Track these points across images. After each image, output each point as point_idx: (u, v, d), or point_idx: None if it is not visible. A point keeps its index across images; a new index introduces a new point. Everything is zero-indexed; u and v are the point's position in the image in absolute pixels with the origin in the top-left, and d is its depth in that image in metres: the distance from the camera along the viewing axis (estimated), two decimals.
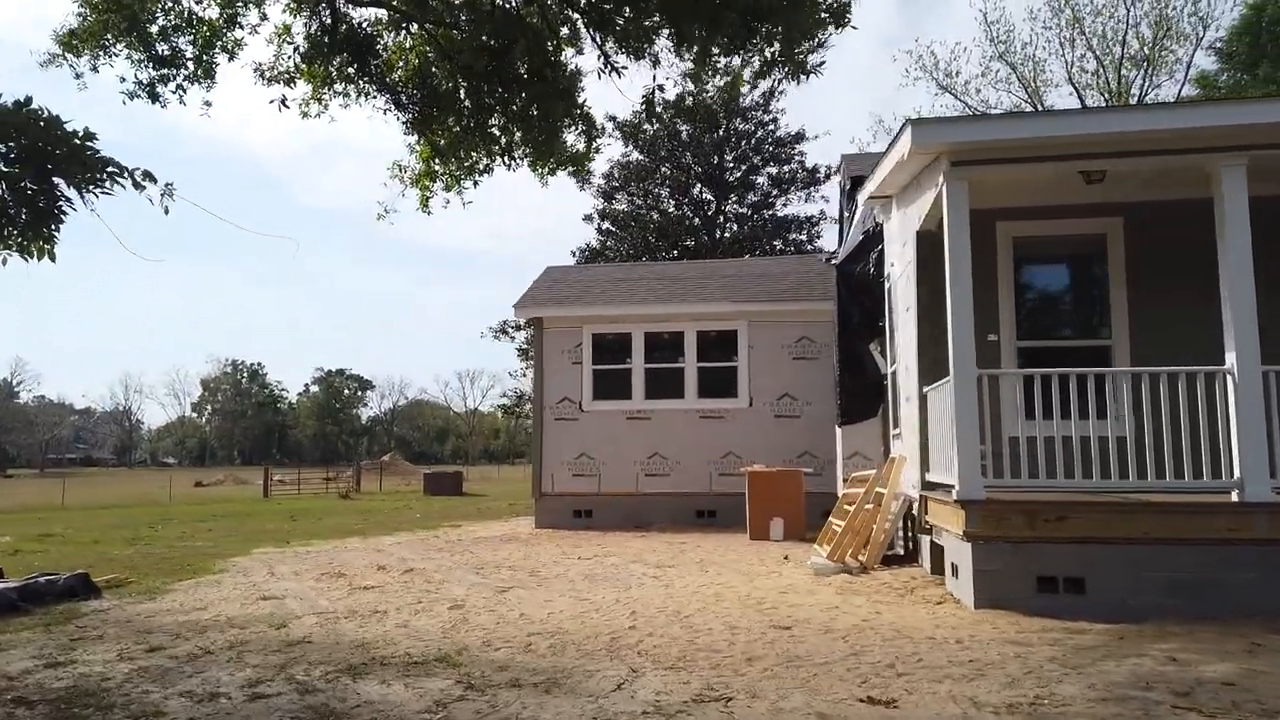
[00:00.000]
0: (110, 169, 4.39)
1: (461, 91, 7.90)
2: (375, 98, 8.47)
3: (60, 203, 4.22)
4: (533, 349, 29.50)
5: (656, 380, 15.24)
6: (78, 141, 4.23)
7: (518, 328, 31.68)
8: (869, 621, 6.56)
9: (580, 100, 8.47)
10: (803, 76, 7.98)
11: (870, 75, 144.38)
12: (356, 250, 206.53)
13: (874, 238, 11.74)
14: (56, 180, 4.16)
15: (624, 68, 7.75)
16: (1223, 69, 32.81)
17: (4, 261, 4.16)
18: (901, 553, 9.96)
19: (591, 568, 9.95)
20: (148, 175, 4.62)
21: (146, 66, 7.69)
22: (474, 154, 8.67)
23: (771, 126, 32.33)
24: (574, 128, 8.59)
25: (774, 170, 32.90)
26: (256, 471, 76.10)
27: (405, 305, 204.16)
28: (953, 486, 7.19)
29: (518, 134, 8.41)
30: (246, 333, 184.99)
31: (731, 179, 33.13)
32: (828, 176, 32.79)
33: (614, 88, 8.87)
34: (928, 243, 8.53)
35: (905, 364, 9.72)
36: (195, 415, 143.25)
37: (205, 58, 7.86)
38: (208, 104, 8.76)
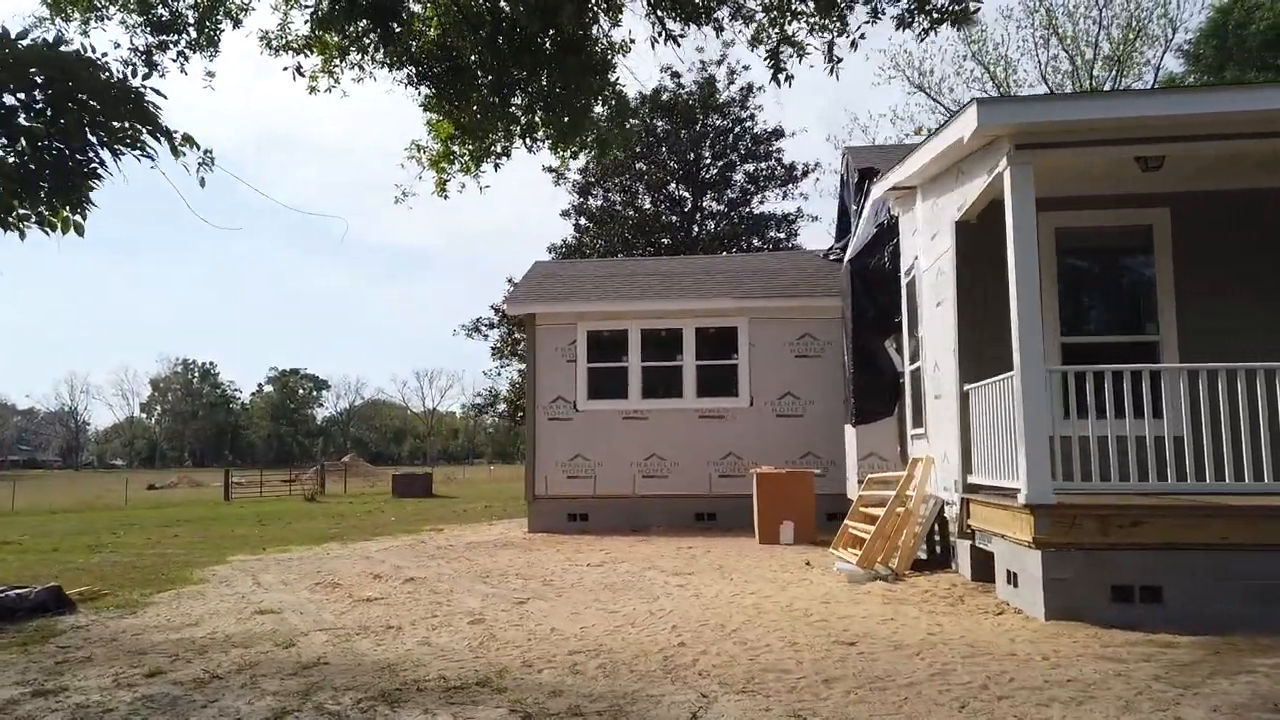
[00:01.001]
0: (152, 127, 3.71)
1: (484, 67, 7.28)
2: (396, 69, 7.81)
3: (94, 164, 3.54)
4: (523, 346, 29.14)
5: (654, 379, 14.71)
6: (125, 92, 3.54)
7: (491, 325, 30.96)
8: (935, 636, 6.12)
9: (613, 78, 7.92)
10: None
11: (824, 76, 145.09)
12: (307, 247, 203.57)
13: (889, 231, 11.35)
14: (92, 138, 3.49)
15: (680, 35, 7.20)
16: (1190, 70, 33.20)
17: (22, 235, 3.48)
18: (924, 557, 9.55)
19: (606, 576, 9.42)
20: (189, 140, 3.95)
21: (144, 31, 6.96)
22: (492, 135, 8.06)
23: (749, 123, 31.98)
24: (605, 106, 8.02)
25: (751, 167, 32.52)
26: (210, 473, 74.30)
27: (359, 304, 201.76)
28: (1012, 490, 6.79)
29: (538, 114, 7.82)
30: (197, 331, 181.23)
31: (708, 176, 32.69)
32: (805, 174, 32.55)
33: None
34: (969, 233, 8.13)
35: (935, 360, 9.33)
36: (144, 416, 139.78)
37: (209, 24, 7.15)
38: (210, 74, 8.01)
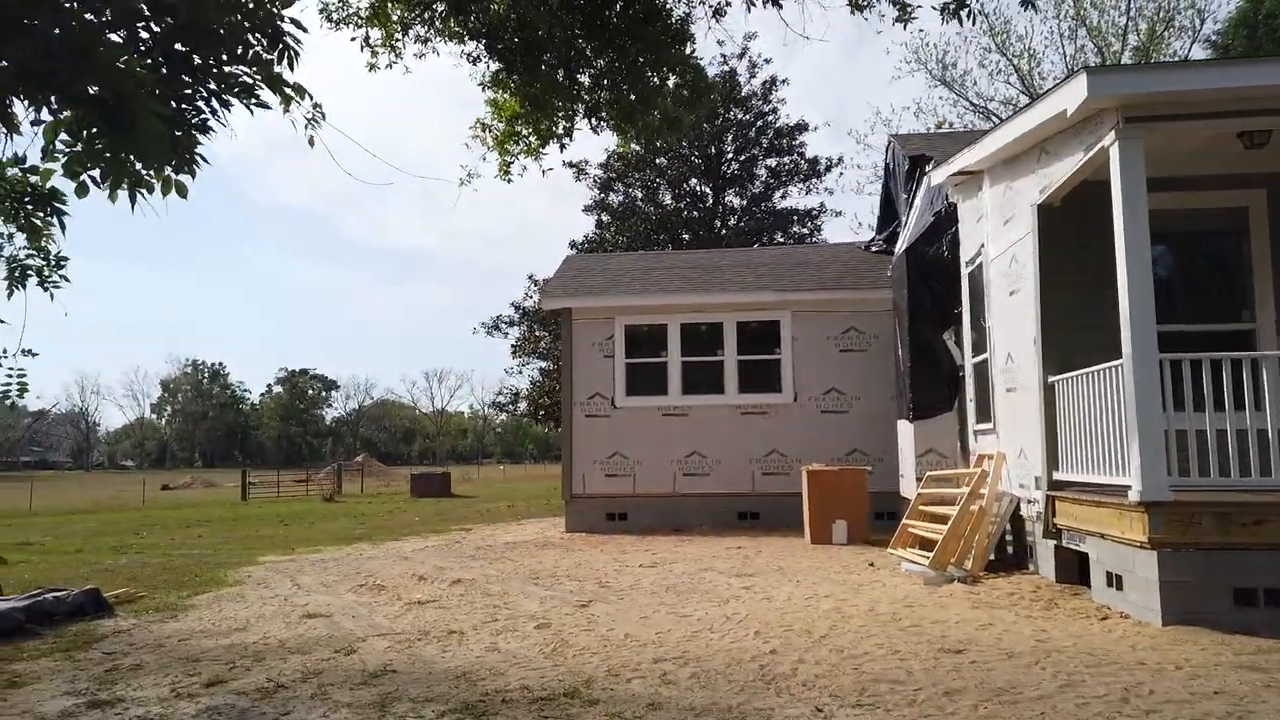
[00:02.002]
0: (266, 74, 3.24)
1: (553, 40, 6.83)
2: (466, 42, 7.38)
3: (204, 115, 3.09)
4: (545, 344, 28.78)
5: (694, 374, 14.29)
6: (264, 20, 3.05)
7: (512, 323, 30.58)
8: (1045, 643, 5.71)
9: (690, 50, 7.48)
10: None
11: (832, 71, 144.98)
12: (311, 250, 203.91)
13: (947, 219, 10.94)
14: (206, 82, 3.03)
15: None
16: None
17: (111, 196, 3.01)
18: (993, 557, 9.11)
19: (662, 577, 9.01)
20: (300, 90, 3.48)
21: None
22: (558, 114, 7.63)
23: (771, 117, 31.53)
24: (682, 79, 7.57)
25: (773, 162, 32.06)
26: (222, 474, 74.08)
27: (364, 304, 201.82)
28: (1117, 486, 6.38)
29: (603, 93, 7.39)
30: (206, 332, 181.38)
31: (730, 171, 32.24)
32: (829, 168, 32.05)
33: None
34: (1055, 217, 7.71)
35: (1008, 352, 8.91)
36: (154, 417, 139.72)
37: None
38: (304, 29, 7.52)
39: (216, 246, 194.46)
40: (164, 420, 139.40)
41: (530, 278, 32.02)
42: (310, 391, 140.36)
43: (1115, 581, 6.49)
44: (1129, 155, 6.05)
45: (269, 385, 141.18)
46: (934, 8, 6.63)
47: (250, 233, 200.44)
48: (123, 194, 2.90)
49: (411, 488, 32.31)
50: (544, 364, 29.30)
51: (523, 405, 31.33)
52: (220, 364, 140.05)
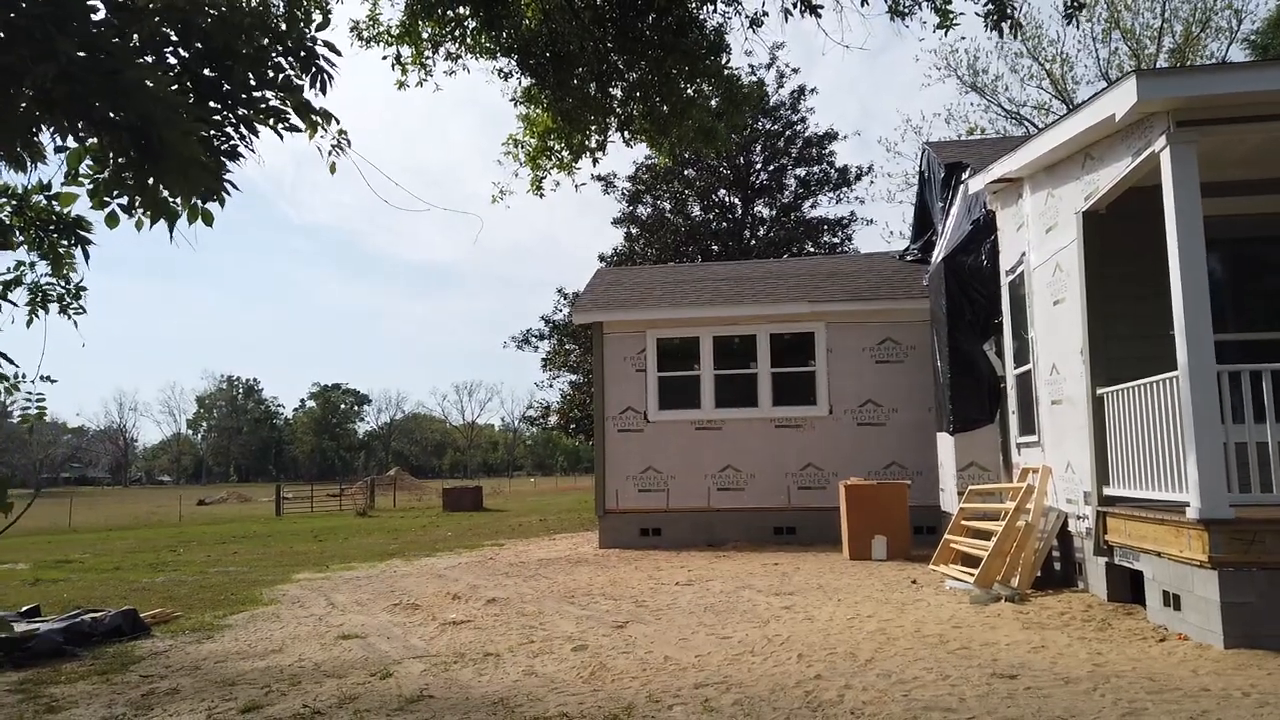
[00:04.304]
0: (295, 99, 3.17)
1: (584, 54, 6.75)
2: (497, 58, 7.32)
3: (234, 141, 3.02)
4: (575, 357, 28.72)
5: (727, 387, 14.13)
6: (295, 44, 2.99)
7: (542, 336, 30.56)
8: (1102, 667, 5.49)
9: (725, 61, 7.37)
10: None
11: (859, 80, 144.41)
12: (341, 266, 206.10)
13: (985, 227, 10.73)
14: (236, 102, 2.96)
15: (820, 5, 6.60)
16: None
17: (138, 225, 2.95)
18: (1039, 574, 8.85)
19: (700, 596, 8.86)
20: (327, 115, 3.42)
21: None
22: (589, 128, 7.54)
23: (800, 126, 31.32)
24: (717, 90, 7.46)
25: (802, 171, 31.85)
26: (257, 489, 74.74)
27: (394, 319, 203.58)
28: (1173, 503, 6.16)
29: (635, 106, 7.29)
30: (241, 348, 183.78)
31: (759, 181, 32.06)
32: (859, 177, 31.77)
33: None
34: (1101, 224, 7.50)
35: (1052, 363, 8.68)
36: (190, 432, 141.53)
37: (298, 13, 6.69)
38: (339, 53, 7.50)
39: (250, 262, 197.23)
40: (200, 436, 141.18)
41: (559, 290, 32.04)
42: (343, 406, 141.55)
43: (1173, 601, 6.25)
44: (1181, 161, 5.85)
45: (302, 400, 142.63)
46: (977, 14, 6.46)
47: (282, 248, 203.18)
48: (150, 219, 2.84)
49: (444, 502, 32.33)
50: (574, 377, 29.23)
51: (553, 419, 31.27)
52: (255, 379, 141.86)
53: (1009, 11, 6.46)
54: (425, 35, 7.43)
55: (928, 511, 12.57)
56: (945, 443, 11.79)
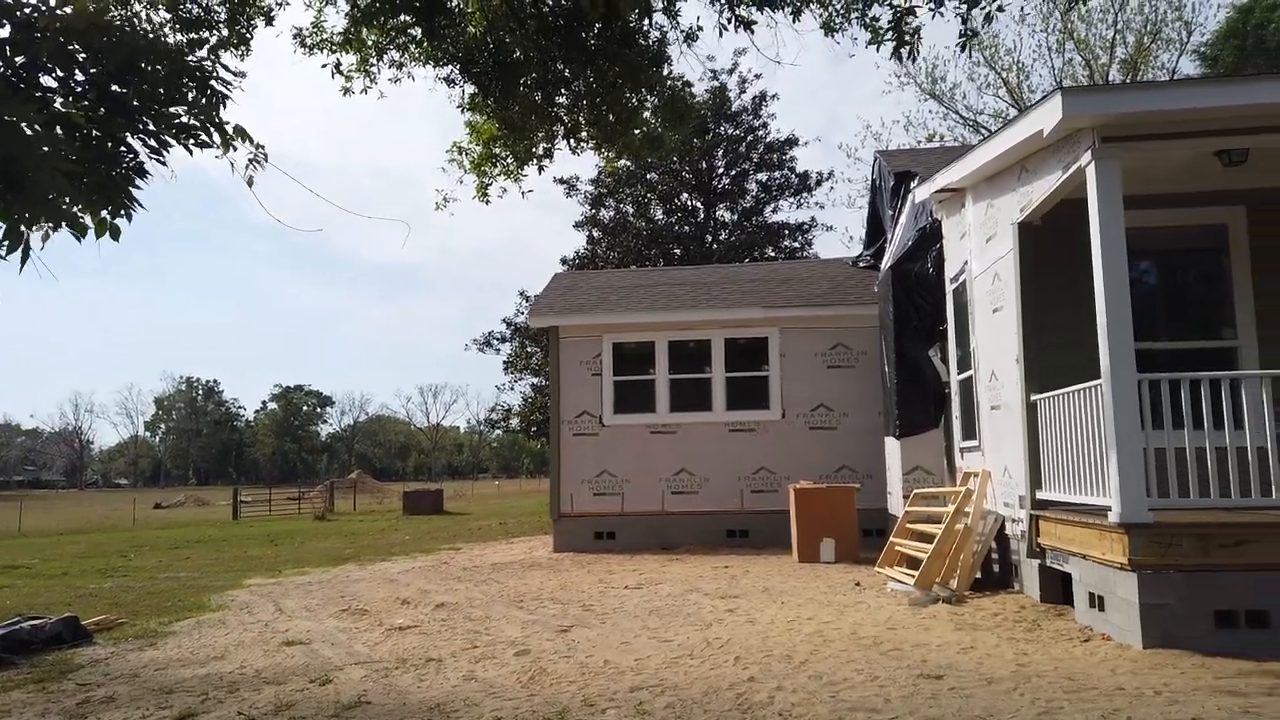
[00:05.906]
0: (206, 117, 3.23)
1: (529, 63, 6.82)
2: (440, 66, 7.35)
3: (139, 158, 3.07)
4: (537, 360, 28.71)
5: (682, 392, 14.25)
6: (188, 70, 3.04)
7: (503, 339, 30.51)
8: (1026, 667, 5.65)
9: (666, 71, 7.47)
10: None
11: (824, 86, 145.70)
12: (303, 267, 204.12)
13: (931, 235, 10.93)
14: (143, 121, 3.00)
15: (752, 22, 6.74)
16: (1207, 73, 32.78)
17: (45, 237, 2.99)
18: (979, 576, 9.06)
19: (647, 599, 8.95)
20: (241, 132, 3.47)
21: (173, 30, 6.47)
22: (536, 135, 7.63)
23: (761, 131, 31.60)
24: (660, 99, 7.56)
25: (764, 176, 32.11)
26: (215, 492, 73.77)
27: (357, 321, 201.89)
28: (1097, 507, 6.35)
29: (582, 114, 7.38)
30: (201, 349, 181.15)
31: (721, 186, 32.28)
32: (819, 183, 32.11)
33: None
34: (1037, 235, 7.70)
35: (991, 370, 8.89)
36: (148, 434, 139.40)
37: (240, 19, 6.68)
38: (241, 74, 7.53)
39: (210, 263, 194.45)
40: (158, 438, 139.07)
41: (521, 293, 32.00)
42: (305, 408, 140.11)
43: (1098, 603, 6.45)
44: (1105, 175, 6.05)
45: (264, 402, 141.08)
46: (890, 41, 6.76)
47: (242, 249, 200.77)
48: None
49: (404, 506, 32.17)
50: (536, 380, 29.23)
51: (515, 421, 31.24)
52: (215, 381, 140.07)
53: (906, 39, 6.79)
54: (370, 43, 7.47)
55: (877, 514, 12.77)
56: (892, 447, 12.00)
